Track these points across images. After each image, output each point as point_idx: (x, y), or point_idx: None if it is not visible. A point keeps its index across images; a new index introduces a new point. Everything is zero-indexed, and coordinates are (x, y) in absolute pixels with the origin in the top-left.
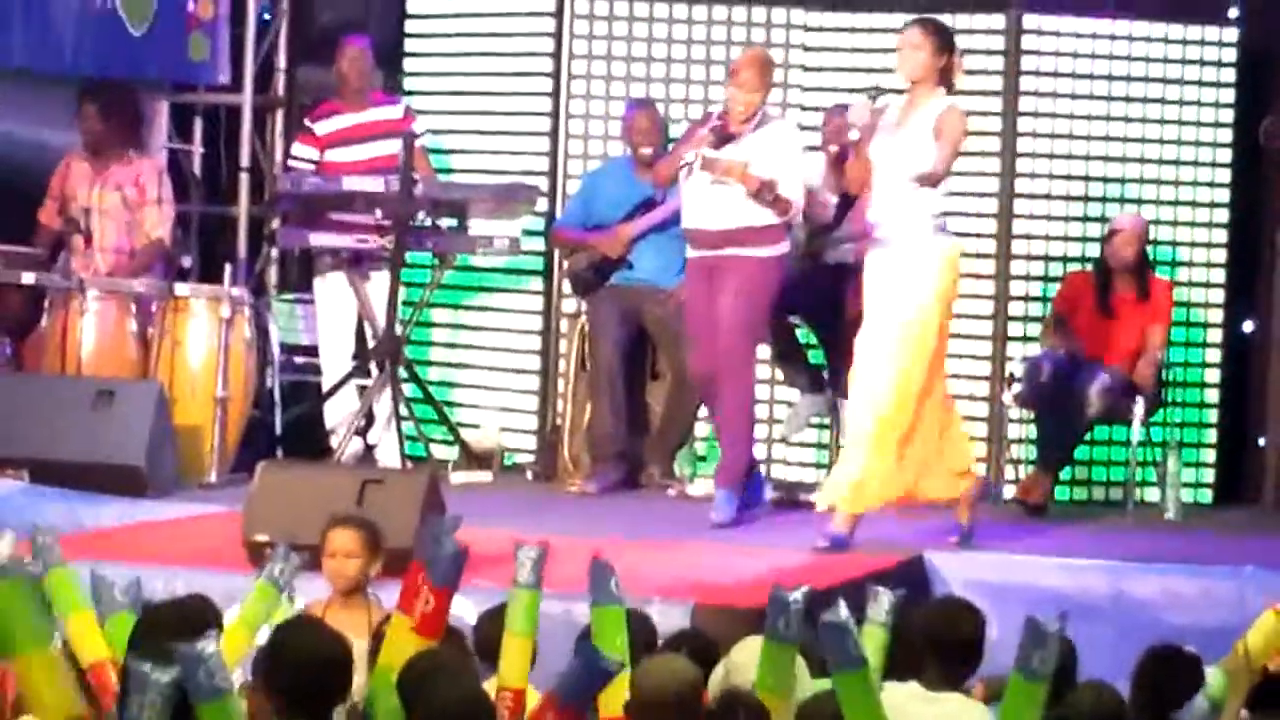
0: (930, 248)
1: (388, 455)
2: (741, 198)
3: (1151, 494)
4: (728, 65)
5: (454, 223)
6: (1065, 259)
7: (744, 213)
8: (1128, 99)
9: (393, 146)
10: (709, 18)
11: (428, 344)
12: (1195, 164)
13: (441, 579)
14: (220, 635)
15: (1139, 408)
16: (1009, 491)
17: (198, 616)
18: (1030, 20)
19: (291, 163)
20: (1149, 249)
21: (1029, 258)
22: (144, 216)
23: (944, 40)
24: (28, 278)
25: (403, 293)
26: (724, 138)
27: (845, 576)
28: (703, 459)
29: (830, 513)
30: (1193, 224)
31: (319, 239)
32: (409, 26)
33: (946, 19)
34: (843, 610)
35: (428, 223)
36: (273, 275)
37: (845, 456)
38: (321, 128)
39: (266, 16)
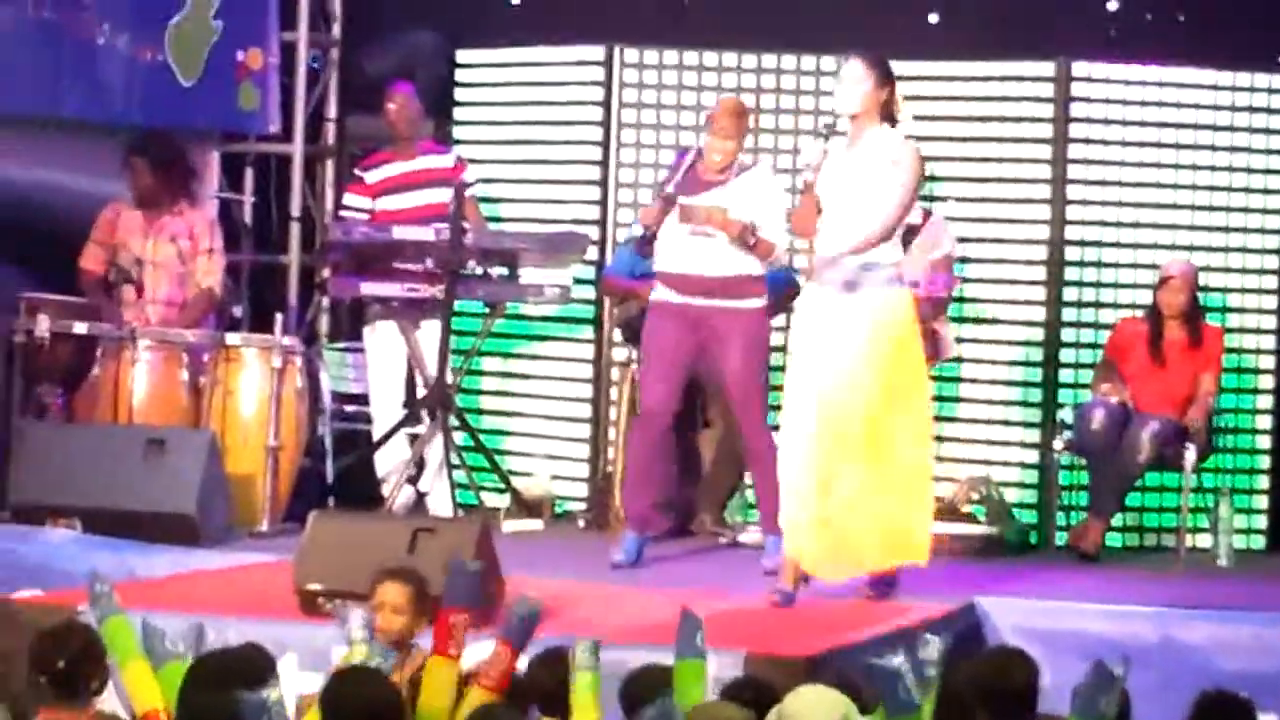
0: (892, 287)
1: (439, 504)
2: (726, 245)
3: (1203, 540)
4: (717, 112)
5: (504, 271)
6: (1116, 305)
7: (733, 261)
8: (1177, 145)
9: (443, 195)
10: (758, 65)
11: (479, 392)
12: (1245, 210)
13: (516, 639)
14: (279, 683)
15: (1190, 454)
16: (1061, 538)
17: (252, 666)
18: (1079, 68)
19: (343, 213)
20: (1200, 295)
21: (1079, 304)
22: (195, 266)
23: (885, 72)
24: (80, 328)
25: (453, 341)
26: (703, 186)
27: (896, 624)
28: (753, 506)
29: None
30: (1244, 270)
31: (369, 288)
32: (458, 75)
33: (995, 66)
34: (897, 656)
35: (478, 271)
36: (324, 324)
37: (903, 509)
38: (372, 176)
39: (316, 66)
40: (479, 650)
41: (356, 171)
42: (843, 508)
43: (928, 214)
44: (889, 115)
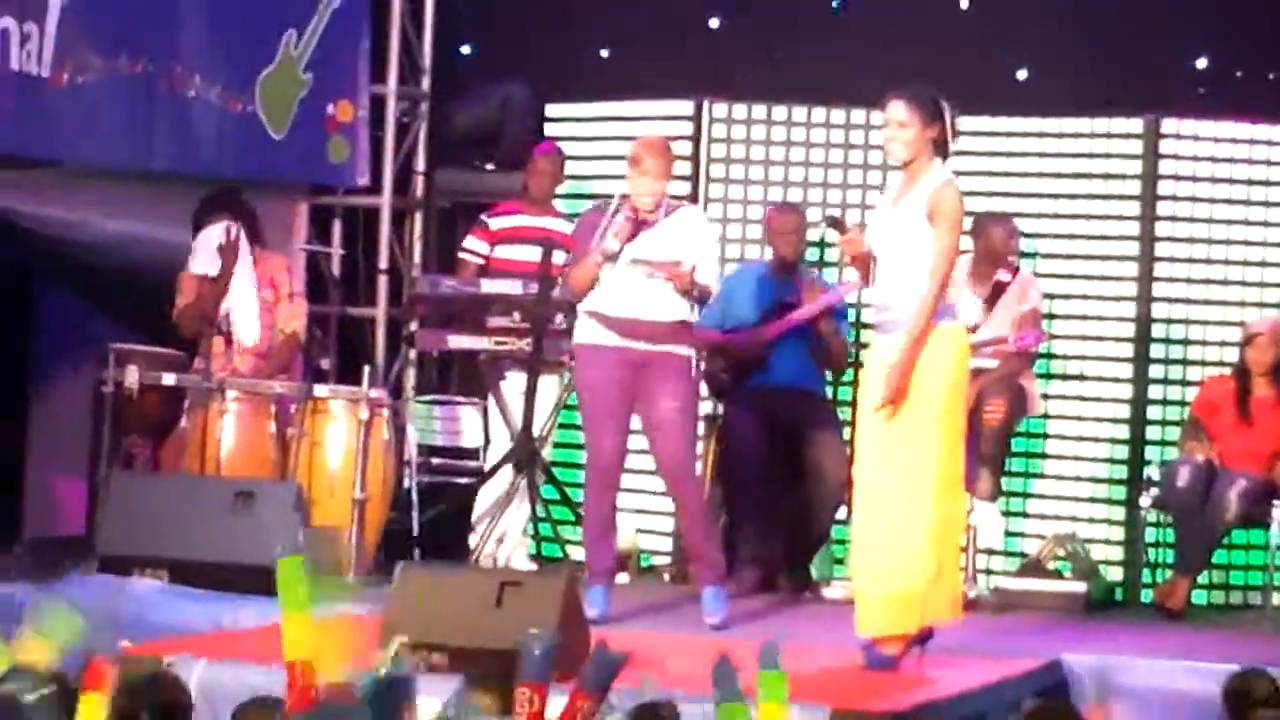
0: (939, 333)
1: (519, 562)
2: (667, 290)
3: None
4: (641, 153)
5: None
6: (1203, 363)
7: (674, 307)
8: (1266, 203)
9: (558, 258)
10: (846, 121)
11: (566, 446)
12: None
13: (592, 686)
14: None
15: (1278, 511)
16: (1147, 595)
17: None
18: (1169, 124)
19: (462, 254)
20: None
21: (1167, 361)
22: (278, 313)
23: (932, 109)
24: (168, 379)
25: (540, 394)
26: (638, 226)
27: (983, 680)
28: (840, 562)
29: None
30: None
31: (457, 341)
32: (547, 130)
33: (1084, 123)
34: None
35: (565, 325)
36: (411, 377)
37: (888, 568)
38: (496, 223)
39: (406, 120)
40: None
41: (483, 217)
42: (854, 565)
43: (1016, 269)
44: (943, 151)
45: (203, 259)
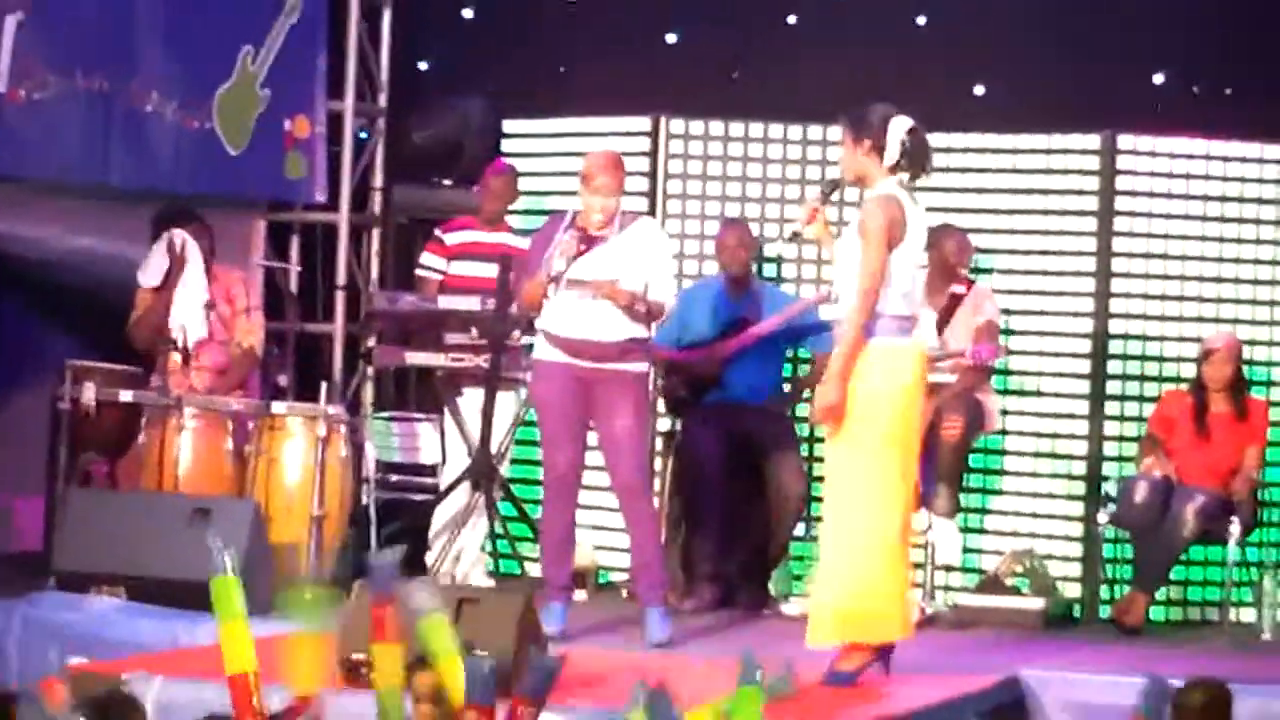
0: (871, 348)
1: (477, 579)
2: (615, 310)
3: (1248, 614)
4: (593, 169)
5: None
6: (1160, 379)
7: (620, 326)
8: (1222, 219)
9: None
10: (803, 137)
11: (525, 462)
12: None
13: (533, 691)
14: None
15: (1235, 528)
16: (1105, 612)
17: None
18: (1125, 140)
19: (420, 271)
20: (1244, 368)
21: (1124, 377)
22: (235, 328)
23: (859, 126)
24: (125, 395)
25: (498, 411)
26: (588, 242)
27: (941, 697)
28: (798, 578)
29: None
30: None
31: (414, 357)
32: (506, 146)
33: (1041, 138)
34: None
35: (524, 341)
36: (368, 393)
37: (839, 580)
38: (451, 239)
39: (363, 135)
40: None
41: (437, 232)
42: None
43: (971, 283)
44: (897, 165)
45: (150, 271)
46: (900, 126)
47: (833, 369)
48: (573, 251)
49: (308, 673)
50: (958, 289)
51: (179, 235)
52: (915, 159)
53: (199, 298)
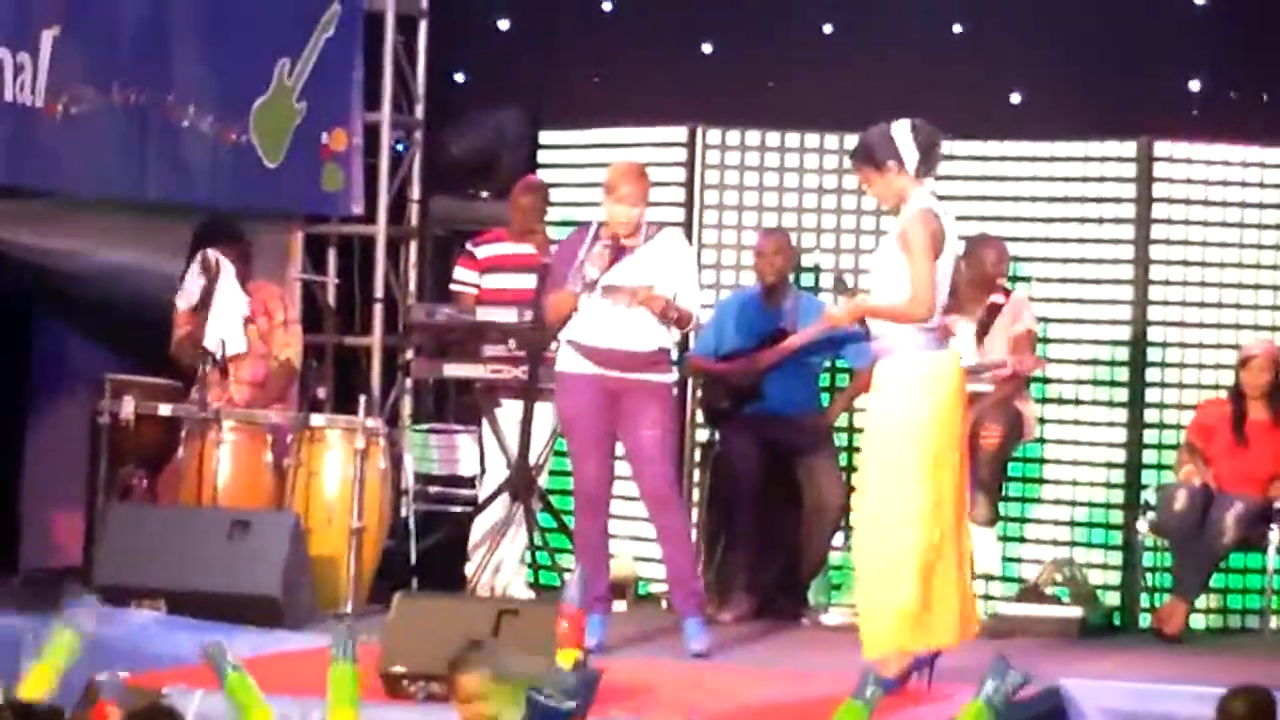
0: (912, 360)
1: (517, 590)
2: (646, 319)
3: None
4: (618, 179)
5: None
6: (1199, 386)
7: (653, 335)
8: (1260, 225)
9: None
10: (840, 146)
11: (562, 473)
12: None
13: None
14: None
15: (1275, 534)
16: (1145, 620)
17: None
18: (1162, 147)
19: (453, 286)
20: None
21: (1162, 385)
22: (273, 341)
23: (869, 155)
24: (165, 409)
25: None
26: (617, 253)
27: None
28: (837, 588)
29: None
30: None
31: (452, 369)
32: (541, 157)
33: (1078, 146)
34: None
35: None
36: (407, 405)
37: (880, 592)
38: (482, 252)
39: (400, 148)
40: None
41: (468, 246)
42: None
43: (1009, 292)
44: (922, 172)
45: (186, 291)
46: (903, 131)
47: (869, 310)
48: (605, 261)
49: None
50: (997, 299)
51: (211, 254)
52: (930, 152)
53: (237, 311)
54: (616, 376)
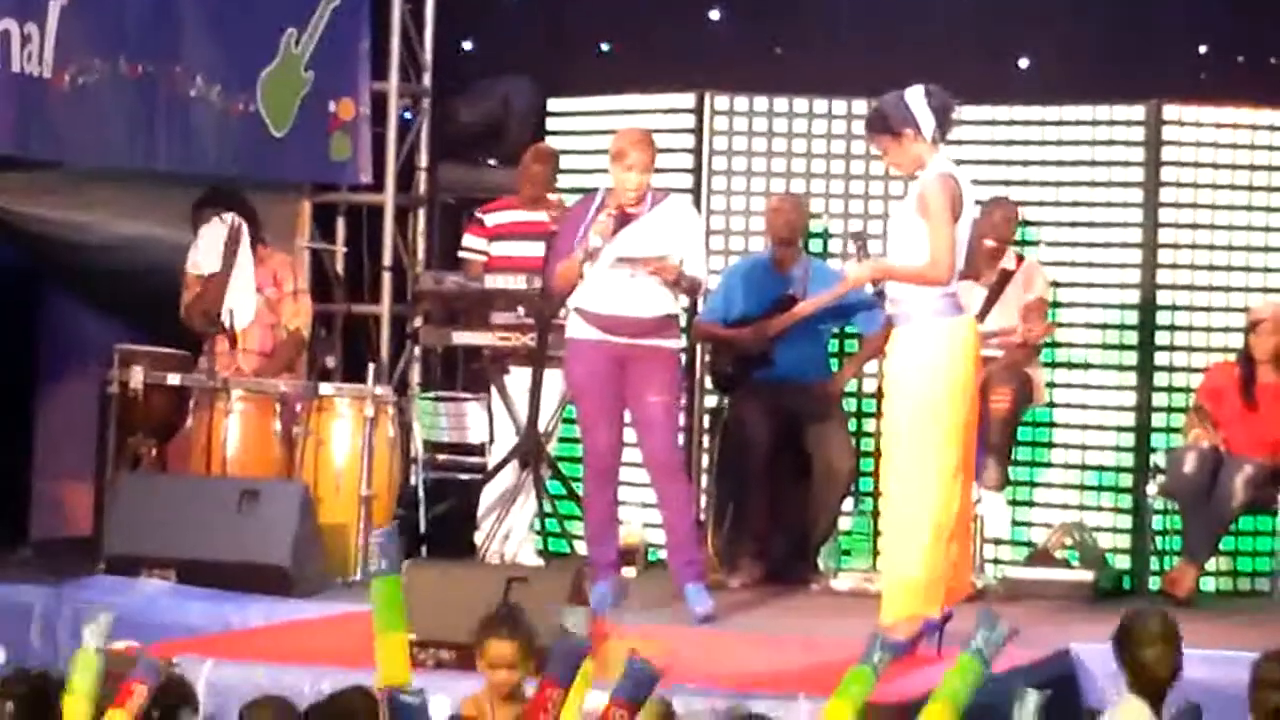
0: (932, 326)
1: (526, 558)
2: (653, 285)
3: None
4: (625, 145)
5: None
6: (1208, 349)
7: (660, 301)
8: (1269, 188)
9: None
10: (848, 112)
11: (571, 440)
12: None
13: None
14: None
15: None
16: (1155, 583)
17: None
18: (1170, 111)
19: (462, 253)
20: None
21: (1172, 348)
22: (283, 311)
23: (886, 124)
24: (173, 379)
25: (546, 390)
26: (623, 220)
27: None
28: (847, 553)
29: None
30: None
31: (461, 337)
32: (549, 124)
33: (1086, 110)
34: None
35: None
36: (416, 373)
37: (899, 557)
38: (491, 219)
39: (408, 116)
40: (591, 699)
41: (477, 214)
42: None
43: (1021, 258)
44: (939, 135)
45: (207, 256)
46: (917, 97)
47: (888, 272)
48: (610, 228)
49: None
50: (1008, 265)
51: (235, 219)
52: (944, 117)
53: (250, 287)
54: (625, 343)
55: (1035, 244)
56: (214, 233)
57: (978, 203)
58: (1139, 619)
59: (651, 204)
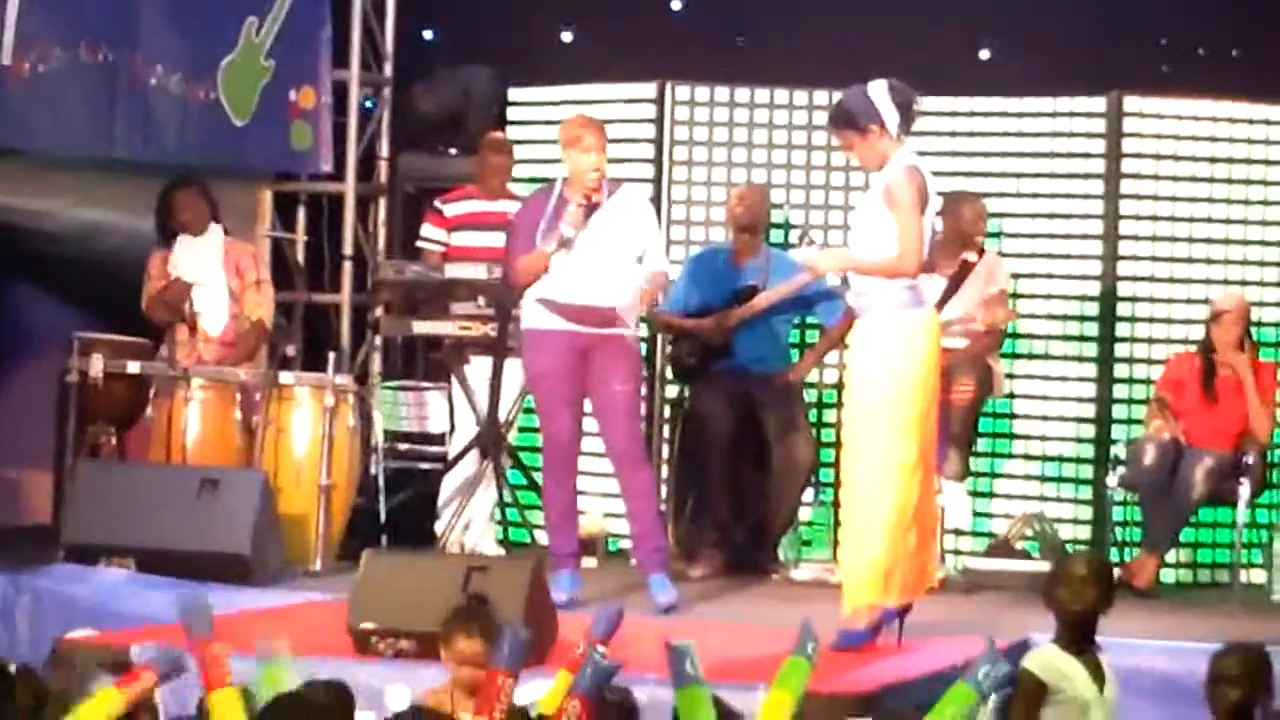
0: (895, 318)
1: (486, 547)
2: (617, 274)
3: (1258, 575)
4: (579, 130)
5: None
6: (1169, 341)
7: (623, 291)
8: (1230, 180)
9: None
10: (809, 102)
11: (532, 430)
12: None
13: (509, 663)
14: None
15: (1244, 490)
16: (1115, 574)
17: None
18: (1131, 102)
19: (421, 243)
20: (1252, 330)
21: (1132, 340)
22: (245, 300)
23: (850, 120)
24: (133, 367)
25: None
26: (589, 209)
27: (950, 661)
28: (807, 544)
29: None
30: None
31: (422, 326)
32: (510, 114)
33: (1047, 101)
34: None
35: None
36: (376, 363)
37: (858, 547)
38: (451, 210)
39: (369, 105)
40: (535, 688)
41: (437, 203)
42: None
43: (982, 250)
44: (903, 129)
45: (190, 265)
46: (880, 92)
47: (857, 265)
48: (580, 218)
49: None
50: (969, 256)
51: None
52: (907, 110)
53: (224, 290)
54: (587, 332)
55: (996, 236)
56: (210, 243)
57: (939, 194)
58: (1066, 560)
59: (608, 193)
